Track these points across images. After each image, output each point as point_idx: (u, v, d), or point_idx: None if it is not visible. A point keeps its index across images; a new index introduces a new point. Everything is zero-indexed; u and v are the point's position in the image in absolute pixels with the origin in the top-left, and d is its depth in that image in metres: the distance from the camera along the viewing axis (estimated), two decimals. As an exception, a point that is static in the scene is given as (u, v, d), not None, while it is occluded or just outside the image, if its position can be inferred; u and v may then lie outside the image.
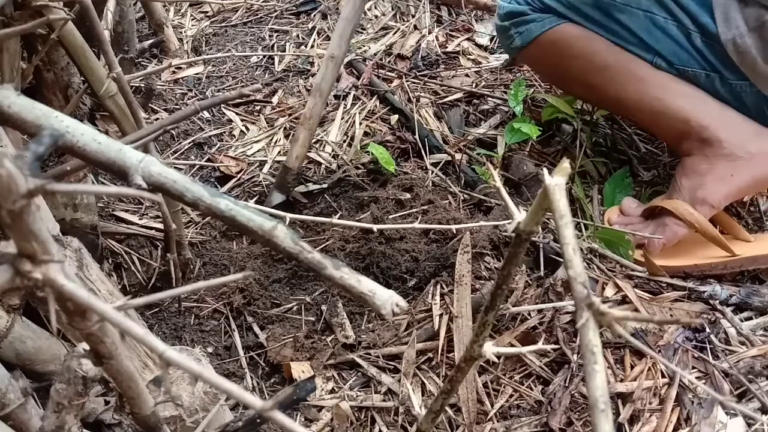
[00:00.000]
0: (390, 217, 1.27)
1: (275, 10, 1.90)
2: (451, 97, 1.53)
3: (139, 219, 1.32)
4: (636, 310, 1.09)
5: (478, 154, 1.40)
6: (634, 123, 1.41)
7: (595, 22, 1.18)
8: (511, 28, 1.26)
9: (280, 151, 1.49)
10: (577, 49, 1.20)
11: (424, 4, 1.80)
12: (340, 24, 1.30)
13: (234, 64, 1.75)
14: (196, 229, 1.33)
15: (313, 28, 1.81)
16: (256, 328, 1.17)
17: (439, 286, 1.16)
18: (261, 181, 1.42)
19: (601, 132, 1.38)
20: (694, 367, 1.03)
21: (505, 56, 1.64)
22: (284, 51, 1.76)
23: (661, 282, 1.14)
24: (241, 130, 1.57)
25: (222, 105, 1.62)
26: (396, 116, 1.50)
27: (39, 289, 0.37)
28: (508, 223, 0.49)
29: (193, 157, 1.50)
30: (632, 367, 1.03)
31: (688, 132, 1.14)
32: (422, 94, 1.54)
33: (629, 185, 1.31)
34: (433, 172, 1.36)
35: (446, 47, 1.68)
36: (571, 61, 1.22)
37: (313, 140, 1.49)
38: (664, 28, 1.13)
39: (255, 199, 1.40)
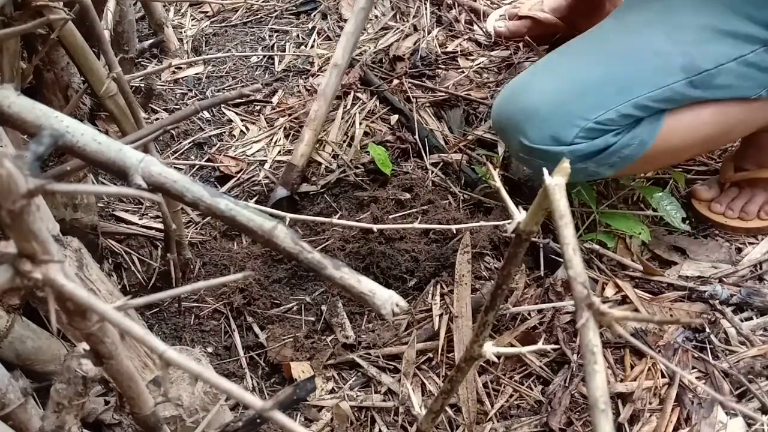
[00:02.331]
0: (390, 217, 1.27)
1: (275, 10, 1.90)
2: (450, 98, 1.53)
3: (139, 219, 1.32)
4: (636, 310, 1.09)
5: (478, 154, 1.40)
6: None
7: (695, 100, 1.05)
8: (589, 165, 1.05)
9: (280, 151, 1.49)
10: (690, 136, 1.09)
11: (424, 4, 1.80)
12: (343, 37, 1.43)
13: (234, 64, 1.75)
14: (196, 229, 1.33)
15: (313, 28, 1.81)
16: (256, 328, 1.17)
17: (439, 286, 1.16)
18: (261, 181, 1.42)
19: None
20: (694, 367, 1.03)
21: (506, 53, 1.64)
22: (284, 51, 1.76)
23: (662, 282, 1.14)
24: (241, 130, 1.57)
25: (222, 105, 1.62)
26: (396, 116, 1.50)
27: (39, 289, 0.37)
28: (508, 223, 0.49)
29: (193, 157, 1.50)
30: (632, 367, 1.03)
31: None
32: (422, 94, 1.54)
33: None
34: (433, 172, 1.37)
35: (446, 47, 1.68)
36: (682, 151, 1.12)
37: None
38: (757, 62, 1.03)
39: (255, 199, 1.40)
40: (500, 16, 1.70)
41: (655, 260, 1.21)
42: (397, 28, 1.74)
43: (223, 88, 1.68)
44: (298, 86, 1.65)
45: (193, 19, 1.91)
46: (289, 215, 0.76)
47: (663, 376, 1.01)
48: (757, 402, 0.98)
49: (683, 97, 1.03)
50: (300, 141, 1.38)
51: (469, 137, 1.44)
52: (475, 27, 1.72)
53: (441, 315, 1.11)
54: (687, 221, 1.24)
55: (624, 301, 1.11)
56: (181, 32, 1.85)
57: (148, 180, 0.47)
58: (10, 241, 0.35)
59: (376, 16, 1.81)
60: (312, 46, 1.76)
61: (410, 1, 1.81)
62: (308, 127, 1.39)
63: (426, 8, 1.77)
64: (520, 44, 1.63)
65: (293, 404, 0.99)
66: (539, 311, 1.10)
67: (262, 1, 1.93)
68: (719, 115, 1.08)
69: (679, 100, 1.04)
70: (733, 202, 1.26)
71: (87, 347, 0.52)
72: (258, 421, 0.87)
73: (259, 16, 1.90)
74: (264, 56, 1.75)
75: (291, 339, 1.13)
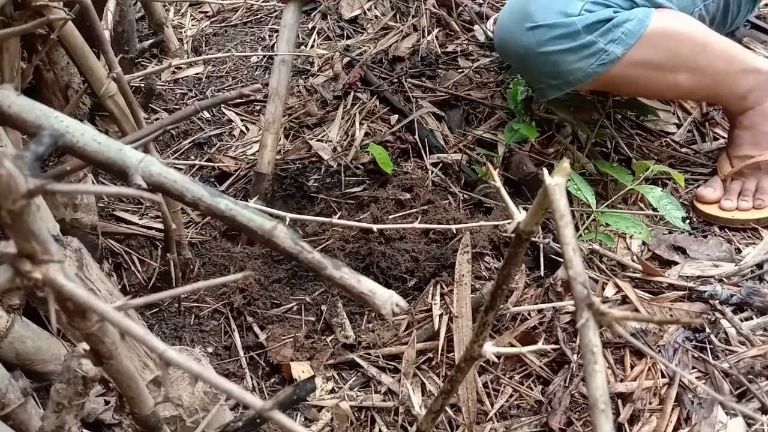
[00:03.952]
0: (390, 217, 1.27)
1: (275, 10, 1.90)
2: (450, 98, 1.53)
3: (139, 219, 1.32)
4: (636, 310, 1.09)
5: (478, 154, 1.40)
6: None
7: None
8: (599, 41, 1.12)
9: (279, 150, 1.49)
10: (684, 33, 1.17)
11: (423, 4, 1.80)
12: (283, 31, 1.37)
13: (234, 64, 1.75)
14: (196, 229, 1.33)
15: (313, 28, 1.81)
16: (256, 328, 1.16)
17: (439, 286, 1.16)
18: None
19: (601, 132, 1.38)
20: (694, 367, 1.03)
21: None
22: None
23: (662, 282, 1.14)
24: (241, 130, 1.57)
25: (222, 105, 1.62)
26: (396, 116, 1.50)
27: (39, 289, 0.37)
28: (508, 223, 0.49)
29: (193, 157, 1.50)
30: (632, 367, 1.03)
31: (760, 81, 1.22)
32: (422, 94, 1.54)
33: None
34: (433, 172, 1.36)
35: (446, 47, 1.68)
36: (680, 49, 1.17)
37: (314, 139, 1.49)
38: None
39: (255, 198, 1.40)
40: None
41: (655, 260, 1.21)
42: (397, 28, 1.74)
43: (223, 88, 1.68)
44: (298, 86, 1.65)
45: (193, 19, 1.91)
46: (289, 215, 0.76)
47: (663, 376, 1.01)
48: (757, 402, 0.98)
49: None
50: (263, 148, 1.34)
51: (469, 137, 1.44)
52: (476, 27, 1.71)
53: (441, 315, 1.11)
54: (687, 220, 1.24)
55: (624, 301, 1.11)
56: (181, 32, 1.85)
57: (148, 180, 0.47)
58: (10, 241, 0.35)
59: (376, 16, 1.81)
60: (312, 46, 1.76)
61: (410, 1, 1.81)
62: (269, 132, 1.35)
63: (426, 8, 1.77)
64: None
65: (293, 404, 0.99)
66: (539, 311, 1.10)
67: (262, 1, 1.93)
68: (691, 36, 1.18)
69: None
70: (743, 194, 1.26)
71: (87, 347, 0.52)
72: (258, 421, 0.87)
73: (259, 16, 1.90)
74: (264, 56, 1.75)
75: (291, 339, 1.13)
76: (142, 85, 1.54)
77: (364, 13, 1.83)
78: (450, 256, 1.18)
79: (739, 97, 1.23)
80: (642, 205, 1.30)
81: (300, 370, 1.08)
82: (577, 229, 1.22)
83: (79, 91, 1.10)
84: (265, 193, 1.33)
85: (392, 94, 1.54)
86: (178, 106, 1.63)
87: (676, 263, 1.19)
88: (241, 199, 1.36)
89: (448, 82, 1.56)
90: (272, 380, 1.11)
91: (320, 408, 1.05)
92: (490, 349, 0.60)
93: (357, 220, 1.27)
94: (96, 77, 0.99)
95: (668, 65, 1.17)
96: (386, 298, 0.43)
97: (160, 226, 1.23)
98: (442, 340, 1.08)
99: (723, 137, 1.43)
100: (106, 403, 0.91)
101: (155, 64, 1.74)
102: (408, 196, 1.31)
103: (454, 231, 1.19)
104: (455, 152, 1.41)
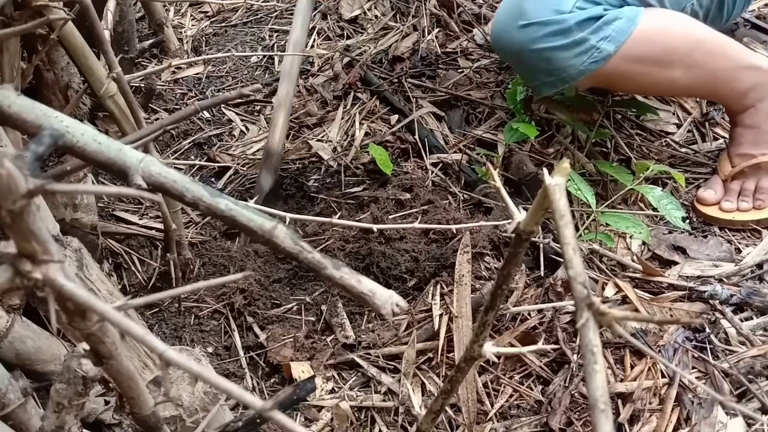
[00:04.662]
0: (390, 217, 1.27)
1: (275, 10, 1.90)
2: (450, 98, 1.53)
3: (139, 219, 1.32)
4: (636, 310, 1.09)
5: (478, 154, 1.40)
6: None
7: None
8: (591, 38, 1.13)
9: (280, 151, 1.49)
10: (677, 30, 1.18)
11: (424, 4, 1.80)
12: (297, 16, 1.42)
13: (234, 64, 1.75)
14: (196, 229, 1.33)
15: (313, 28, 1.81)
16: (256, 329, 1.17)
17: (439, 286, 1.16)
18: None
19: (600, 132, 1.38)
20: (694, 367, 1.03)
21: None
22: (284, 51, 1.76)
23: (662, 282, 1.14)
24: (241, 130, 1.57)
25: (222, 105, 1.62)
26: (396, 116, 1.50)
27: (39, 289, 0.37)
28: (508, 223, 0.49)
29: (193, 157, 1.50)
30: (632, 367, 1.03)
31: (761, 79, 1.22)
32: (421, 94, 1.54)
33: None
34: (433, 172, 1.36)
35: (446, 47, 1.68)
36: (674, 45, 1.17)
37: (315, 139, 1.49)
38: None
39: (255, 199, 1.40)
40: None
41: (655, 260, 1.21)
42: (397, 28, 1.74)
43: (223, 88, 1.68)
44: (298, 86, 1.65)
45: (193, 19, 1.91)
46: (289, 215, 0.76)
47: (663, 376, 1.01)
48: (757, 402, 0.98)
49: None
50: (274, 126, 1.36)
51: (469, 137, 1.44)
52: (475, 31, 1.71)
53: (441, 315, 1.11)
54: (687, 220, 1.24)
55: (624, 301, 1.11)
56: (181, 32, 1.85)
57: (148, 180, 0.47)
58: (10, 241, 0.35)
59: (376, 16, 1.81)
60: (312, 46, 1.76)
61: (410, 1, 1.81)
62: (280, 111, 1.37)
63: (426, 8, 1.77)
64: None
65: (293, 404, 0.99)
66: (539, 311, 1.10)
67: (262, 1, 1.93)
68: (684, 31, 1.19)
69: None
70: (742, 194, 1.26)
71: (87, 347, 0.52)
72: (258, 421, 0.87)
73: (259, 16, 1.90)
74: (264, 56, 1.75)
75: (291, 339, 1.13)
76: (142, 85, 1.53)
77: (364, 13, 1.83)
78: (450, 256, 1.18)
79: (739, 94, 1.23)
80: (642, 205, 1.30)
81: (300, 370, 1.08)
82: (577, 229, 1.22)
83: (79, 91, 1.10)
84: (274, 169, 1.35)
85: (392, 94, 1.54)
86: (178, 106, 1.63)
87: (676, 263, 1.20)
88: (241, 193, 1.36)
89: (448, 82, 1.56)
90: (272, 380, 1.11)
91: (320, 408, 1.05)
92: (490, 349, 0.60)
93: (357, 220, 1.27)
94: (96, 77, 0.99)
95: (663, 61, 1.18)
96: (386, 298, 0.43)
97: (160, 226, 1.23)
98: (442, 340, 1.08)
99: (723, 137, 1.43)
100: (106, 403, 0.91)
101: (155, 64, 1.73)
102: (408, 196, 1.31)
103: (454, 231, 1.19)
104: (455, 152, 1.41)
